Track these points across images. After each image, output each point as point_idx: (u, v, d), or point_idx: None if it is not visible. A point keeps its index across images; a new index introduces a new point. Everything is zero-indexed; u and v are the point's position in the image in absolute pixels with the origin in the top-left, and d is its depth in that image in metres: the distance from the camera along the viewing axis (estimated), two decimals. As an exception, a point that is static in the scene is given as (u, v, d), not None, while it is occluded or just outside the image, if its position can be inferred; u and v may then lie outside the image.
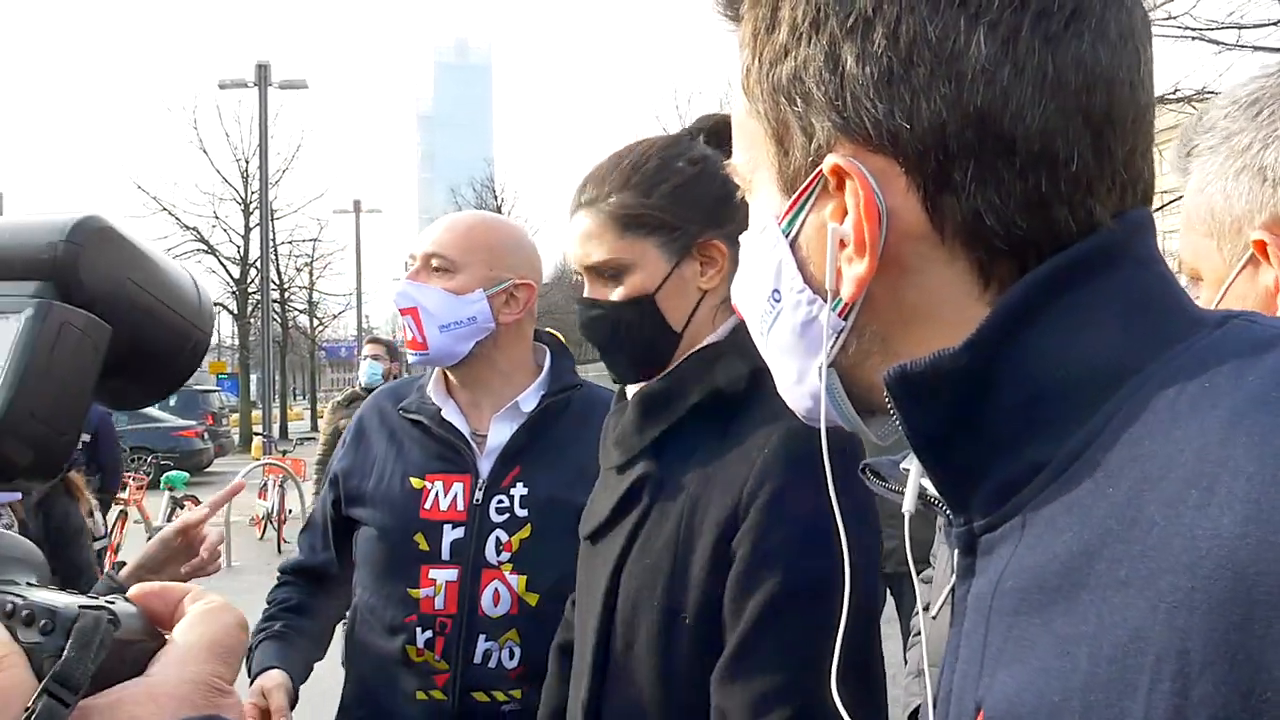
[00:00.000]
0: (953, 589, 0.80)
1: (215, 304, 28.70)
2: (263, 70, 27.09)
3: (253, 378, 35.28)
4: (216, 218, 34.13)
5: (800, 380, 0.86)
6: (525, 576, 2.20)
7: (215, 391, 31.89)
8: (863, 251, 0.76)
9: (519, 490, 2.25)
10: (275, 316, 32.48)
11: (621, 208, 1.69)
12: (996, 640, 0.72)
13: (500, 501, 2.25)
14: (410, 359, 2.41)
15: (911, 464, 0.87)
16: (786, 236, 0.82)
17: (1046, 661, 0.66)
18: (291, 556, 2.57)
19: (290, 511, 13.87)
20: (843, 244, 0.78)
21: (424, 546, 2.24)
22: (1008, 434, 0.73)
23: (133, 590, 0.75)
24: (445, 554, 2.23)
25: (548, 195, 66.37)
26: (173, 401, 27.46)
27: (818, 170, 0.78)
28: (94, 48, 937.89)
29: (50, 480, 0.79)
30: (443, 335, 2.27)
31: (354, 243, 42.86)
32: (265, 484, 14.34)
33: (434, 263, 2.30)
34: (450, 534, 2.23)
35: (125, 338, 0.78)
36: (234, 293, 34.66)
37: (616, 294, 1.71)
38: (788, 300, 0.84)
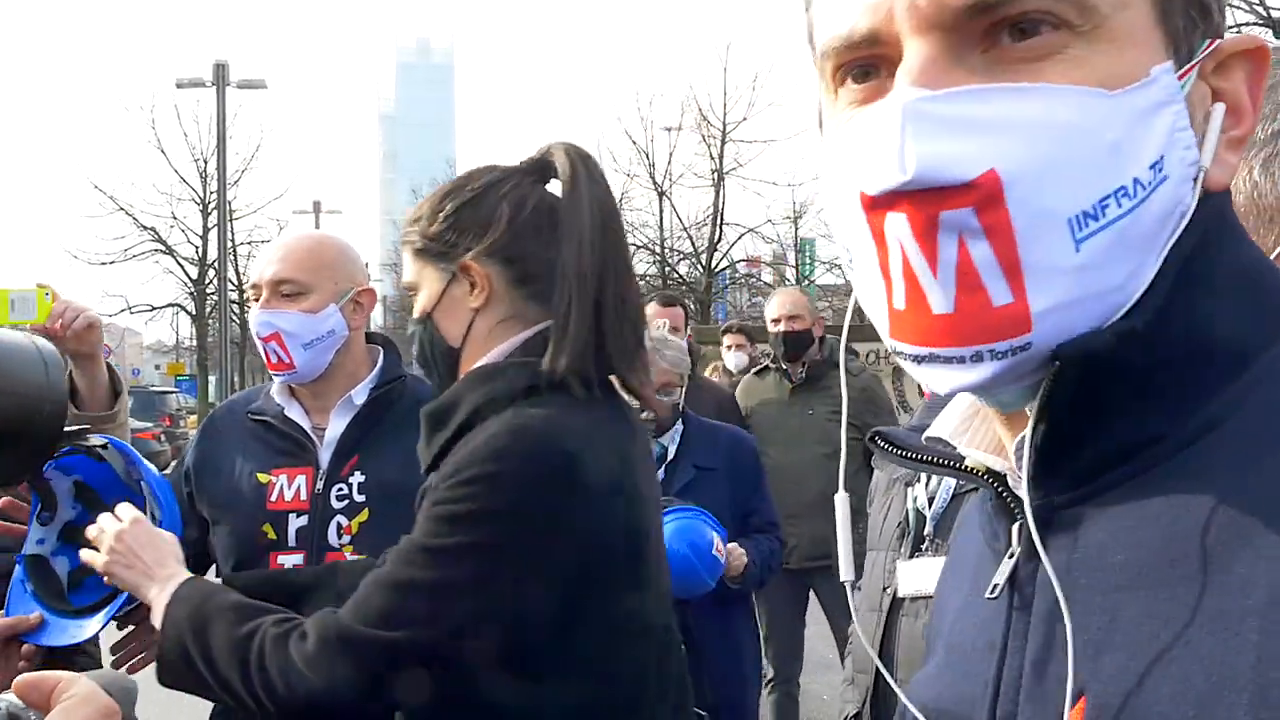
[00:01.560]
0: (1015, 569, 0.74)
1: (173, 305, 27.94)
2: (221, 69, 26.86)
3: (211, 379, 34.99)
4: (174, 218, 33.80)
5: (1127, 281, 0.69)
6: (364, 556, 2.36)
7: (173, 393, 31.62)
8: (1249, 131, 0.70)
9: (357, 478, 2.45)
10: (234, 318, 32.19)
11: (410, 238, 1.84)
12: (1098, 620, 0.66)
13: (340, 490, 2.44)
14: (277, 380, 2.56)
15: (961, 438, 0.80)
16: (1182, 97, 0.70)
17: (1193, 640, 0.61)
18: None
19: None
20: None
21: (272, 535, 2.42)
22: (1123, 403, 0.68)
23: (15, 681, 0.81)
24: (291, 541, 2.42)
25: (509, 196, 65.61)
26: (130, 404, 27.14)
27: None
28: (50, 46, 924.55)
29: None
30: (307, 353, 2.47)
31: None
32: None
33: (284, 289, 2.49)
34: (295, 522, 2.43)
35: None
36: (192, 294, 34.34)
37: (415, 313, 1.85)
38: (1176, 174, 0.69)
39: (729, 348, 6.69)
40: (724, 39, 50.17)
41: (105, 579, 1.85)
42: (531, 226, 1.76)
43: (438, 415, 1.76)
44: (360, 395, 2.53)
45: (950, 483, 2.67)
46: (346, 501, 2.43)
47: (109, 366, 2.59)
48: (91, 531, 1.87)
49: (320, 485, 2.45)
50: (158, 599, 1.75)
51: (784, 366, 5.42)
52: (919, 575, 2.57)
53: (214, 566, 2.56)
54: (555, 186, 1.81)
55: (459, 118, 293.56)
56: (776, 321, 5.40)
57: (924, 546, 2.61)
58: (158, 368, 63.52)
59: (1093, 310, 0.68)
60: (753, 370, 5.76)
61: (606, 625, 1.68)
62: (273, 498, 2.45)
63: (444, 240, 1.78)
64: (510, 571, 1.60)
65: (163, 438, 24.59)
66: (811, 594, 5.35)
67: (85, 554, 1.87)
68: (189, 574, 1.81)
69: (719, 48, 55.34)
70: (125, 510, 1.89)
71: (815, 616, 5.39)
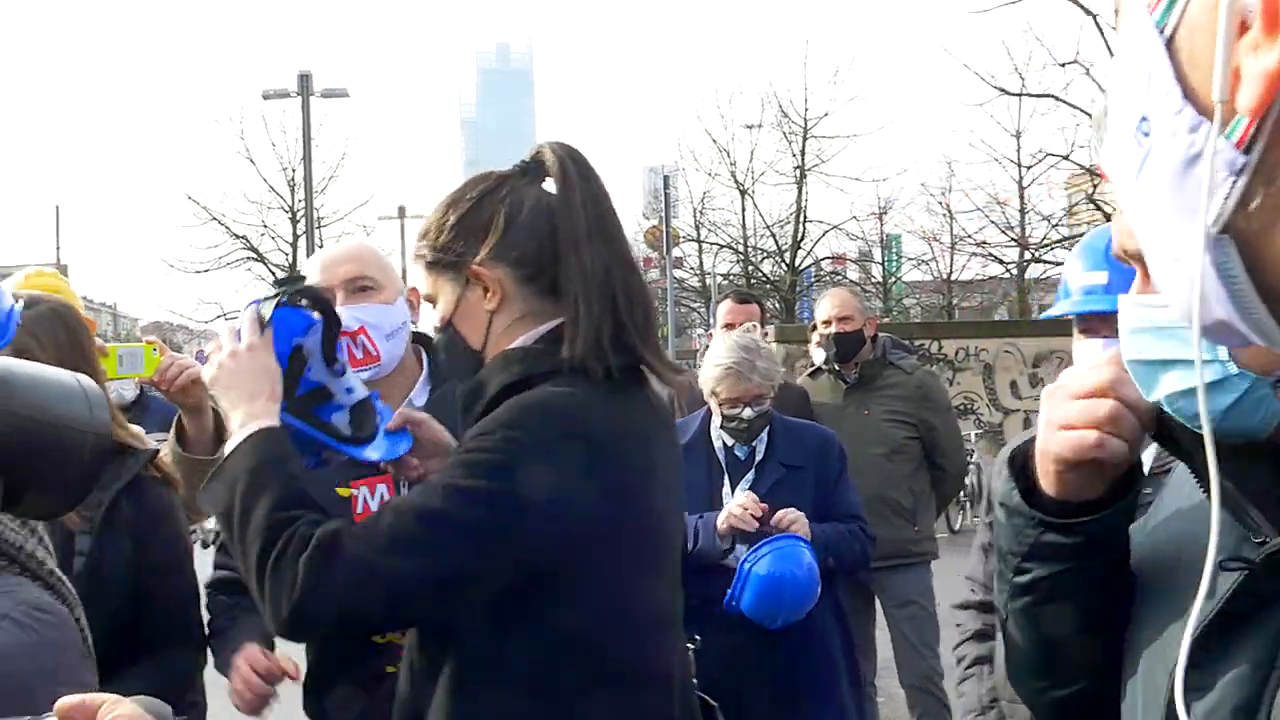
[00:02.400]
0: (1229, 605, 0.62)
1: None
2: (305, 80, 27.23)
3: (302, 384, 35.56)
4: (265, 226, 34.37)
5: (1181, 256, 0.59)
6: None
7: (266, 398, 32.10)
8: (1276, 27, 0.52)
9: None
10: (323, 323, 32.60)
11: (421, 252, 1.92)
12: None
13: None
14: (364, 377, 2.47)
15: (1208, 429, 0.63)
16: (1161, 31, 0.58)
17: None
18: (218, 574, 2.63)
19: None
20: (1243, 27, 0.53)
21: None
22: None
23: (58, 704, 0.82)
24: None
25: (591, 198, 65.69)
26: (224, 409, 27.68)
27: None
28: (143, 62, 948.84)
29: None
30: (389, 343, 2.49)
31: (399, 248, 43.02)
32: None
33: (361, 283, 2.51)
34: None
35: (15, 464, 0.85)
36: (283, 300, 34.94)
37: (436, 322, 1.95)
38: (1160, 128, 0.58)
39: (818, 345, 6.59)
40: (803, 33, 50.03)
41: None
42: (531, 226, 1.84)
43: (471, 394, 1.86)
44: (420, 396, 2.54)
45: None
46: None
47: (216, 414, 2.68)
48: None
49: (404, 490, 2.41)
50: (237, 432, 1.81)
51: (837, 368, 5.34)
52: None
53: None
54: (551, 185, 1.88)
55: (539, 121, 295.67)
56: (827, 323, 5.32)
57: None
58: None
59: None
60: (807, 372, 5.69)
61: (603, 602, 1.75)
62: (358, 510, 2.43)
63: (452, 250, 1.86)
64: (515, 527, 1.67)
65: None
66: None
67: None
68: (273, 423, 1.83)
69: (799, 43, 55.09)
70: (249, 327, 1.92)
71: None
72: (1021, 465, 1.20)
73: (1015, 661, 1.31)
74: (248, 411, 1.82)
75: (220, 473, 1.79)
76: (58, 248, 42.45)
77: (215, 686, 2.58)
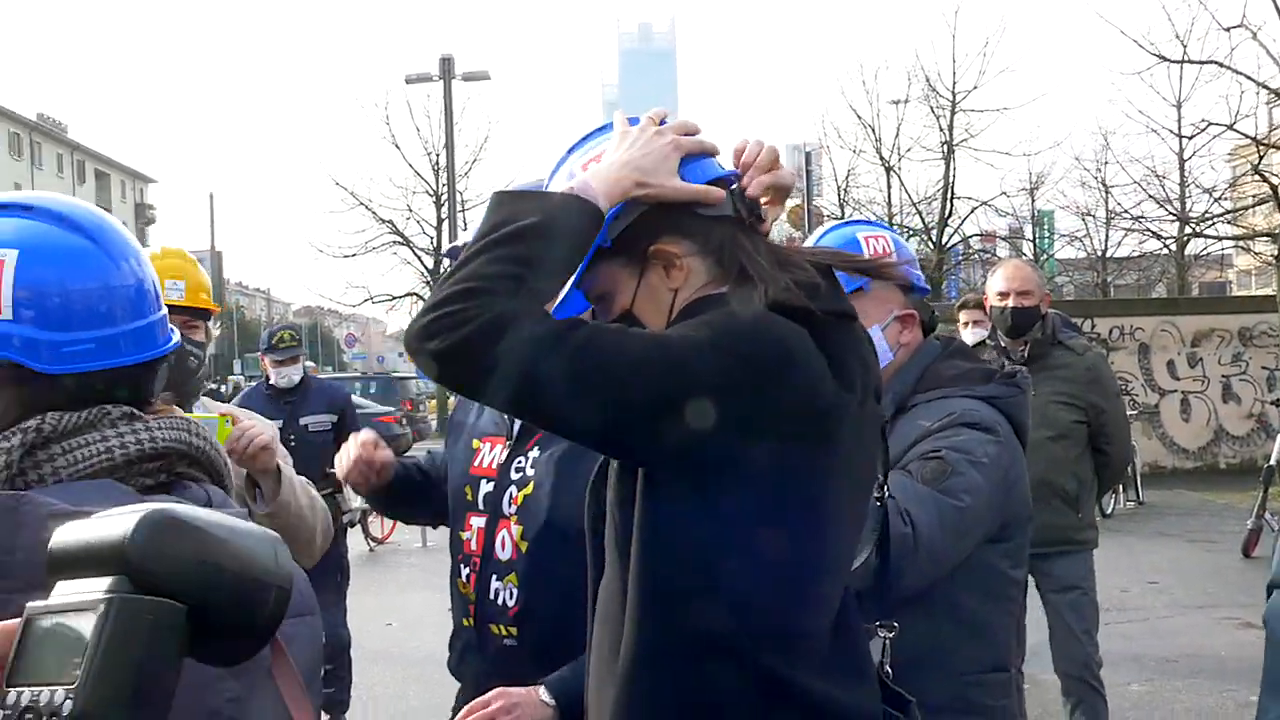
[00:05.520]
0: None
1: (411, 294, 28.85)
2: (446, 63, 27.61)
3: (448, 365, 36.12)
4: (410, 210, 34.96)
5: None
6: (522, 527, 2.52)
7: (413, 378, 32.82)
8: None
9: (534, 452, 2.56)
10: (468, 305, 32.97)
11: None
12: None
13: (519, 461, 2.59)
14: None
15: None
16: None
17: None
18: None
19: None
20: None
21: (470, 497, 2.64)
22: None
23: None
24: (481, 504, 2.61)
25: (733, 177, 65.21)
26: (373, 389, 28.36)
27: None
28: (290, 50, 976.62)
29: None
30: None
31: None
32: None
33: None
34: (484, 487, 2.62)
35: (206, 609, 0.87)
36: (428, 283, 35.54)
37: (609, 317, 1.82)
38: None
39: (965, 324, 6.35)
40: (952, 4, 48.67)
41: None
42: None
43: None
44: None
45: None
46: (521, 474, 2.58)
47: (279, 469, 2.88)
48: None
49: (505, 456, 2.61)
50: (597, 181, 1.72)
51: (1003, 344, 5.07)
52: None
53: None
54: None
55: (682, 100, 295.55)
56: (1004, 295, 5.01)
57: None
58: (400, 355, 66.23)
59: None
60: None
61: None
62: (476, 462, 2.66)
63: (624, 236, 1.77)
64: (696, 384, 1.56)
65: (404, 421, 25.49)
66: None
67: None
68: (593, 203, 1.69)
69: (946, 13, 53.74)
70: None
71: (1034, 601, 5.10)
72: None
73: None
74: (583, 183, 1.71)
75: (545, 198, 1.71)
76: (212, 234, 43.84)
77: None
